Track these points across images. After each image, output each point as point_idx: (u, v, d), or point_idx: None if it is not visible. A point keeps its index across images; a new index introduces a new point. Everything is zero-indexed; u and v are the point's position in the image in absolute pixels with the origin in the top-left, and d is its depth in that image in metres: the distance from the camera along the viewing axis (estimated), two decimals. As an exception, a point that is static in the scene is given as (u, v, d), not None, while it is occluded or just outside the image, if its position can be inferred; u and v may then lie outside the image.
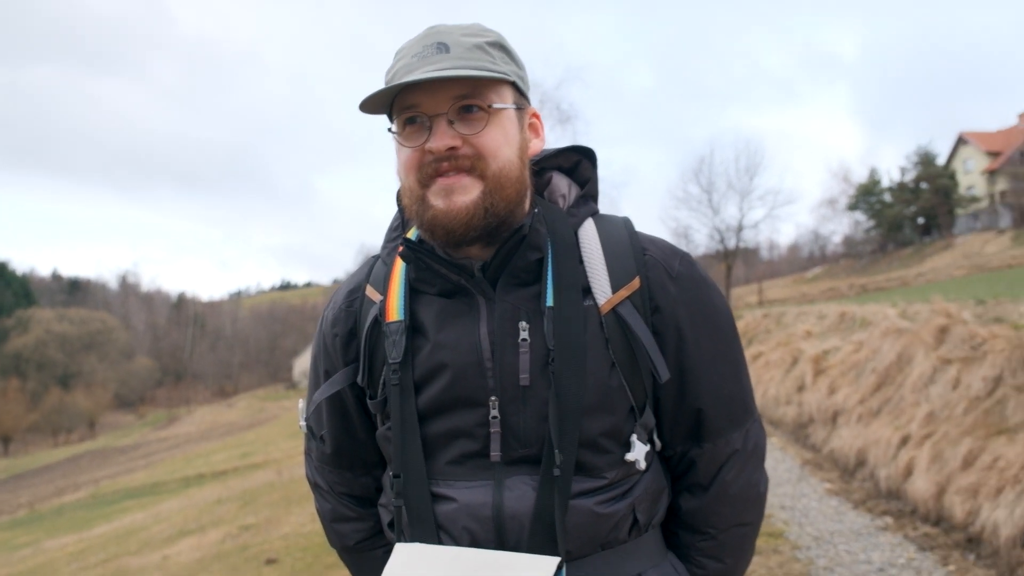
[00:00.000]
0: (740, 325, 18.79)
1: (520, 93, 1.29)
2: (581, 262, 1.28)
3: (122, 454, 46.43)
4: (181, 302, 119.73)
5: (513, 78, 1.26)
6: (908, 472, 6.11)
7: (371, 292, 1.35)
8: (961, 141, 61.35)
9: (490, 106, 1.21)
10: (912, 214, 60.84)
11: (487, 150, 1.20)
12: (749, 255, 65.81)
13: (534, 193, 1.34)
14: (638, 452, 1.25)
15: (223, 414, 65.10)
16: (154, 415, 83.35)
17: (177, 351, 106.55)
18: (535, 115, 1.34)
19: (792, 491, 6.94)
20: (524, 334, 1.22)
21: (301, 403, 1.47)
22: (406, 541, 1.23)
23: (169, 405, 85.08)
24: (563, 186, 1.38)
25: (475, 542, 1.20)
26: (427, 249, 1.25)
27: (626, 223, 1.37)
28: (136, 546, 10.80)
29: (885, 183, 63.76)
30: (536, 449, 1.21)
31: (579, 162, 1.41)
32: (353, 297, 1.38)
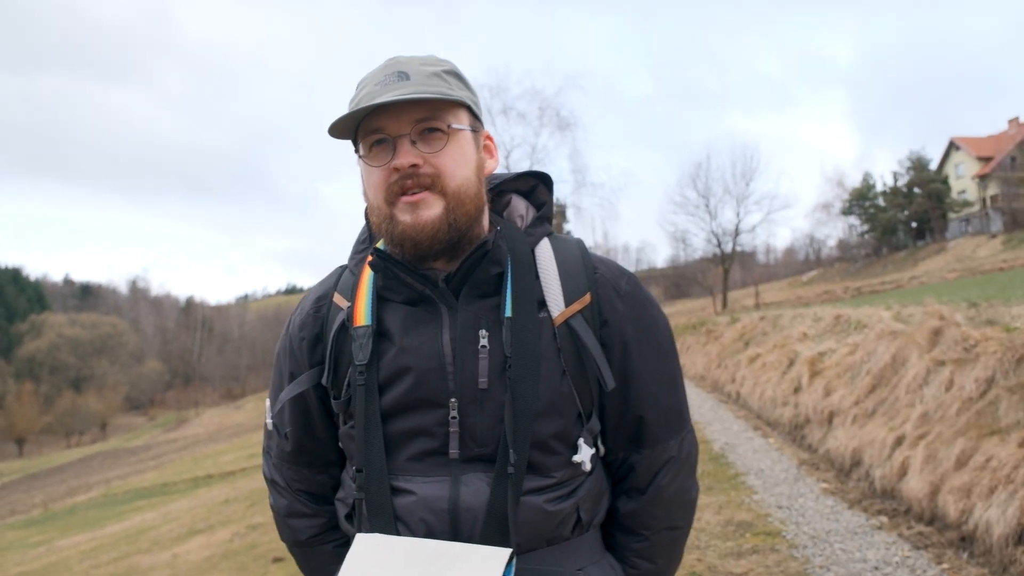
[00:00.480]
0: (737, 327, 18.77)
1: (474, 116, 1.39)
2: (537, 277, 1.37)
3: (132, 455, 46.57)
4: (189, 306, 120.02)
5: (468, 102, 1.36)
6: (903, 472, 6.15)
7: (338, 299, 1.43)
8: (953, 146, 61.44)
9: (449, 126, 1.31)
10: (905, 218, 61.13)
11: (446, 169, 1.30)
12: (746, 259, 65.98)
13: (493, 212, 1.45)
14: (584, 454, 1.35)
15: (231, 416, 65.16)
16: (164, 417, 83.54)
17: (186, 354, 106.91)
18: (489, 137, 1.44)
19: (789, 491, 6.99)
20: (484, 341, 1.31)
21: (267, 402, 1.53)
22: (366, 532, 1.30)
23: (178, 407, 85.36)
24: (521, 207, 1.48)
25: (431, 533, 1.28)
26: (395, 260, 1.33)
27: (579, 244, 1.46)
28: (147, 545, 10.88)
29: (879, 188, 64.05)
30: (491, 448, 1.30)
31: (536, 186, 1.52)
32: (321, 303, 1.46)
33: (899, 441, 6.49)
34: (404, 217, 1.29)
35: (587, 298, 1.37)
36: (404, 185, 1.29)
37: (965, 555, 4.91)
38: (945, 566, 4.78)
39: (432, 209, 1.29)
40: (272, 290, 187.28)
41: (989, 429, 5.51)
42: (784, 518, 6.13)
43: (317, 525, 1.54)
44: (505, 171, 1.52)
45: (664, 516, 1.47)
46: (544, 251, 1.42)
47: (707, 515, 6.36)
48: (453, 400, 1.30)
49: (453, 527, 1.28)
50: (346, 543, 1.50)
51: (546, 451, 1.32)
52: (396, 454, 1.33)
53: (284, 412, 1.48)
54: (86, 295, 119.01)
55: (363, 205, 1.49)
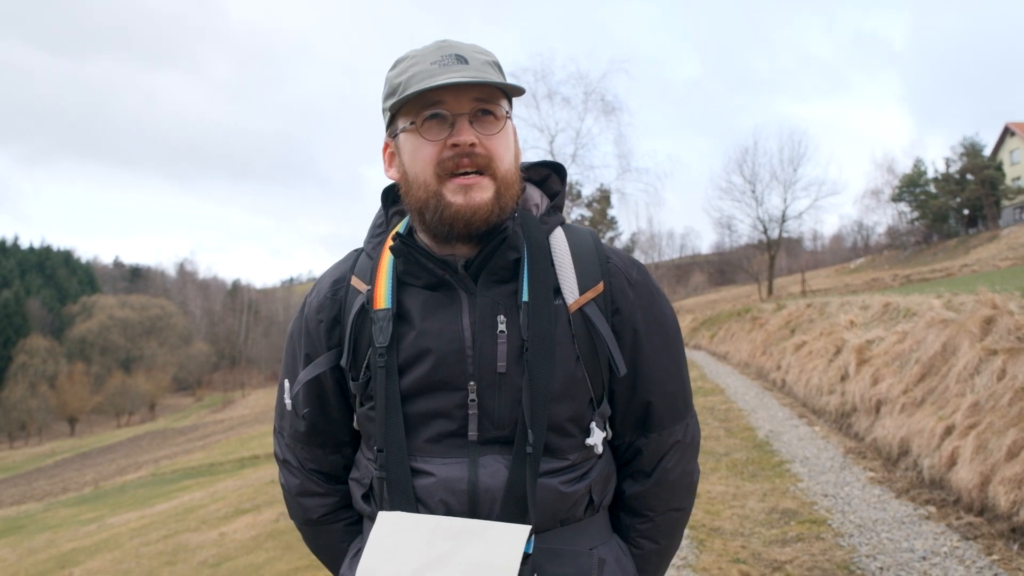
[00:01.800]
0: (783, 314, 18.56)
1: (511, 109, 1.43)
2: (552, 265, 1.40)
3: (180, 435, 47.52)
4: (236, 289, 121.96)
5: (515, 94, 1.40)
6: (952, 462, 6.06)
7: (356, 283, 1.45)
8: (1008, 132, 59.88)
9: (505, 113, 1.36)
10: (957, 205, 59.75)
11: (497, 152, 1.34)
12: (792, 245, 65.20)
13: None
14: (596, 438, 1.38)
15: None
16: (211, 398, 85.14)
17: (232, 336, 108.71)
18: (515, 131, 1.47)
19: (835, 479, 6.92)
20: (502, 326, 1.34)
21: (285, 383, 1.55)
22: (387, 510, 1.33)
23: (225, 388, 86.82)
24: (536, 196, 1.51)
25: (450, 513, 1.30)
26: (416, 245, 1.36)
27: (591, 233, 1.50)
28: (194, 523, 11.08)
29: (930, 174, 62.66)
30: (508, 431, 1.33)
31: (548, 176, 1.55)
32: (338, 287, 1.48)
33: (948, 431, 6.39)
34: (456, 198, 1.32)
35: (600, 286, 1.41)
36: (459, 163, 1.32)
37: (1016, 546, 4.84)
38: (995, 557, 4.71)
39: (485, 192, 1.33)
40: (317, 273, 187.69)
41: (1042, 419, 5.41)
42: (830, 506, 6.08)
43: (329, 504, 1.57)
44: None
45: (668, 498, 1.51)
46: (558, 239, 1.45)
47: (751, 502, 6.32)
48: (472, 383, 1.33)
49: (472, 507, 1.30)
50: (357, 522, 1.56)
51: (561, 434, 1.35)
52: (415, 435, 1.36)
53: (300, 393, 1.50)
54: (135, 277, 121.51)
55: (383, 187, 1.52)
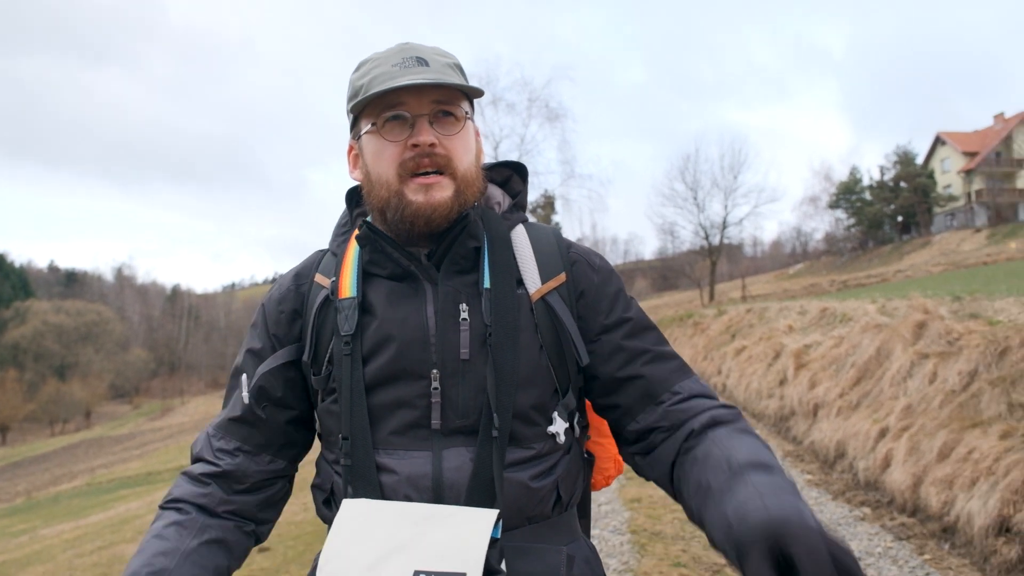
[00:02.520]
0: (724, 320, 18.81)
1: (473, 110, 1.46)
2: (514, 256, 1.43)
3: (117, 444, 46.45)
4: (175, 294, 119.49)
5: (475, 96, 1.44)
6: (886, 464, 6.20)
7: (320, 279, 1.46)
8: (939, 141, 62.00)
9: (465, 113, 1.39)
10: (891, 212, 61.70)
11: (456, 153, 1.36)
12: (733, 251, 66.24)
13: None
14: (559, 427, 1.37)
15: (216, 405, 64.31)
16: (149, 405, 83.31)
17: (172, 342, 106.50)
18: (477, 132, 1.50)
19: (774, 482, 7.05)
20: (464, 314, 1.34)
21: (243, 378, 1.49)
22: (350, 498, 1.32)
23: (164, 396, 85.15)
24: (498, 195, 1.54)
25: None
26: (383, 234, 1.38)
27: (553, 230, 1.52)
28: (131, 534, 10.85)
29: (865, 181, 64.51)
30: (472, 420, 1.32)
31: (510, 176, 1.59)
32: (301, 281, 1.50)
33: (883, 433, 6.54)
34: (416, 197, 1.34)
35: (562, 276, 1.42)
36: (420, 163, 1.34)
37: (947, 546, 4.96)
38: (927, 556, 4.83)
39: (445, 191, 1.35)
40: (259, 278, 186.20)
41: (971, 421, 5.57)
42: (768, 509, 6.16)
43: (199, 496, 1.43)
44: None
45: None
46: (520, 234, 1.48)
47: (692, 506, 6.38)
48: (435, 371, 1.33)
49: (437, 502, 1.29)
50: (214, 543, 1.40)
51: (525, 421, 1.35)
52: (379, 427, 1.35)
53: (258, 387, 1.45)
54: (71, 282, 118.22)
55: (347, 188, 1.53)
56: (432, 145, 1.33)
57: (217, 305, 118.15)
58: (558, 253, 1.45)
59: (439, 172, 1.35)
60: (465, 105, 1.40)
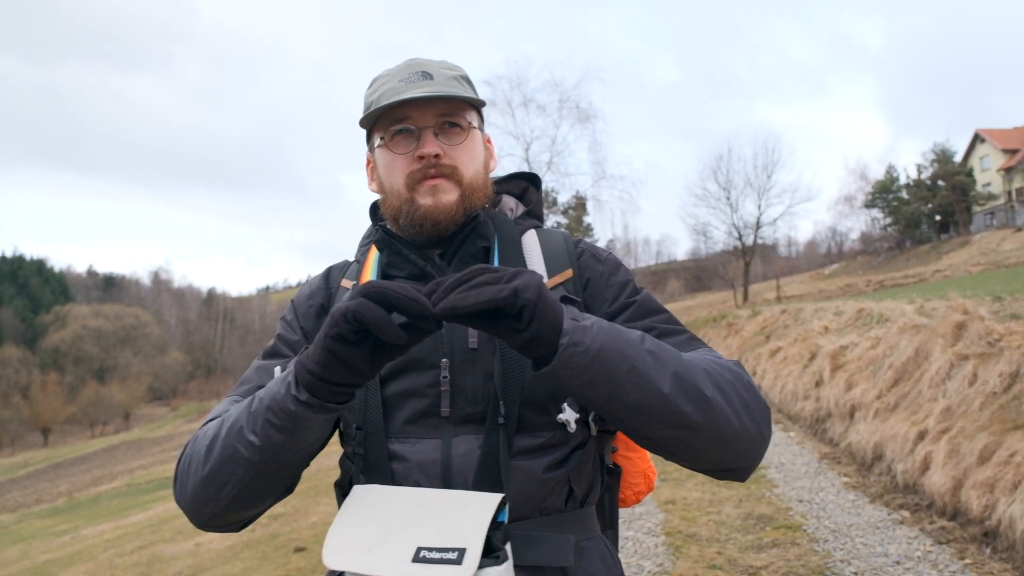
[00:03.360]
0: (758, 321, 18.67)
1: (481, 119, 1.53)
2: (523, 256, 1.48)
3: (155, 445, 47.09)
4: (211, 298, 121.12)
5: (479, 106, 1.51)
6: (925, 467, 6.12)
7: (345, 283, 1.53)
8: (978, 138, 60.87)
9: (470, 124, 1.45)
10: (929, 211, 60.69)
11: (461, 162, 1.43)
12: (767, 252, 65.69)
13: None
14: (569, 415, 1.37)
15: (254, 407, 65.61)
16: (186, 407, 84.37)
17: (208, 345, 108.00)
18: (488, 140, 1.57)
19: (810, 485, 6.97)
20: None
21: (277, 370, 1.46)
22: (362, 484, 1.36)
23: (200, 398, 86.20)
24: (511, 203, 1.61)
25: None
26: (399, 237, 1.46)
27: (564, 233, 1.57)
28: (170, 534, 11.00)
29: (902, 180, 63.54)
30: (481, 407, 1.36)
31: (527, 188, 1.65)
32: (330, 281, 1.57)
33: (921, 435, 6.45)
34: (425, 200, 1.41)
35: (569, 272, 1.47)
36: (427, 173, 1.41)
37: (988, 550, 4.89)
38: (967, 561, 4.76)
39: (451, 194, 1.42)
40: (293, 281, 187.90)
41: (1013, 424, 5.48)
42: (805, 512, 6.12)
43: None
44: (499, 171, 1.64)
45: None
46: (530, 238, 1.53)
47: (727, 508, 6.35)
48: (445, 360, 1.37)
49: (445, 487, 1.32)
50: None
51: (534, 409, 1.37)
52: (392, 416, 1.39)
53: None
54: (109, 286, 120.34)
55: (370, 203, 1.61)
56: (437, 156, 1.40)
57: (252, 308, 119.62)
58: (566, 251, 1.51)
59: (446, 178, 1.42)
60: (470, 115, 1.47)
